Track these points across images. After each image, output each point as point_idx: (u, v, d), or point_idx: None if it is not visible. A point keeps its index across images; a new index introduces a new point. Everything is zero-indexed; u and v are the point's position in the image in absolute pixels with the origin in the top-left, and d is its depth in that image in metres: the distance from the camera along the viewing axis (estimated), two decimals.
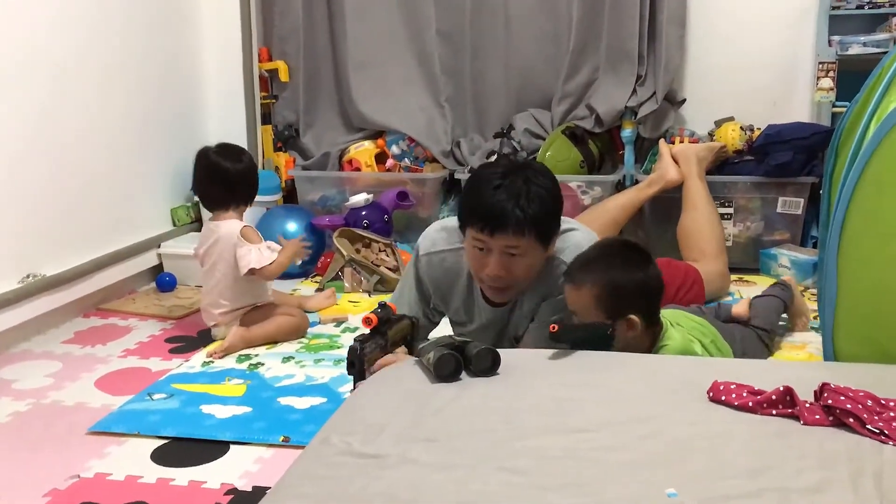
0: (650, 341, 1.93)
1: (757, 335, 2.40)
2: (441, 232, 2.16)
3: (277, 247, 2.79)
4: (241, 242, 2.71)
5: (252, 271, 2.70)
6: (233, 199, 2.78)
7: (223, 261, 2.74)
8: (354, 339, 1.80)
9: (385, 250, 3.40)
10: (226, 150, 2.81)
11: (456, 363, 1.58)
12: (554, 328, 1.68)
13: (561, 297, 1.96)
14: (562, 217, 1.99)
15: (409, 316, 2.01)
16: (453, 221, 2.08)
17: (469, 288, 2.12)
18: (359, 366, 1.76)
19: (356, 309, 3.07)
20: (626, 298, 1.85)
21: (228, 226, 2.75)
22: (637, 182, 3.44)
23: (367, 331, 1.83)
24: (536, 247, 1.92)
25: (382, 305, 1.88)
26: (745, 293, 3.07)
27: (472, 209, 1.93)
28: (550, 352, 1.71)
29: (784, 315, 2.65)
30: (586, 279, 1.85)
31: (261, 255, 2.70)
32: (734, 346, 2.20)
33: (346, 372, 1.79)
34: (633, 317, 1.86)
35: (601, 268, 1.87)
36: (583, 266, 1.89)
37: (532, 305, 2.06)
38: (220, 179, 2.76)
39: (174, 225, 3.63)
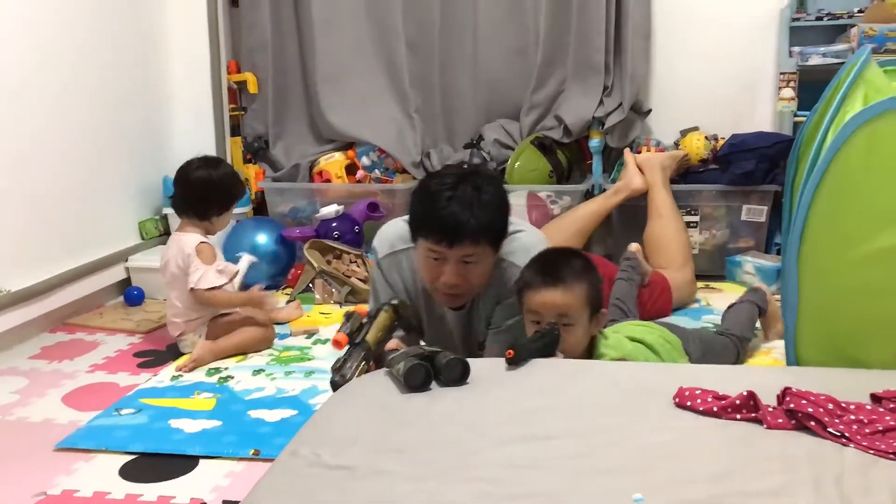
0: (590, 343, 1.98)
1: (731, 342, 2.43)
2: (398, 230, 2.14)
3: (232, 269, 2.80)
4: (195, 259, 2.70)
5: (193, 290, 2.69)
6: (192, 209, 2.77)
7: (180, 272, 2.73)
8: (331, 370, 1.80)
9: (356, 261, 3.40)
10: (201, 159, 2.83)
11: (426, 373, 1.58)
12: (510, 354, 1.67)
13: (513, 301, 1.98)
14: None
15: (383, 304, 1.96)
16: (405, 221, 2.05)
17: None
18: None
19: (327, 321, 3.07)
20: (600, 295, 1.97)
21: (185, 238, 2.74)
22: (605, 191, 3.48)
23: (340, 354, 1.82)
24: (490, 252, 1.96)
25: (348, 317, 1.87)
26: (711, 300, 3.12)
27: (426, 221, 1.94)
28: None
29: (757, 325, 2.65)
30: (577, 281, 1.91)
31: (206, 276, 2.69)
32: (688, 342, 2.24)
33: None
34: (605, 310, 2.02)
35: (581, 269, 1.94)
36: (563, 269, 1.92)
37: (488, 308, 2.09)
38: (176, 182, 2.81)
39: (142, 238, 3.60)
